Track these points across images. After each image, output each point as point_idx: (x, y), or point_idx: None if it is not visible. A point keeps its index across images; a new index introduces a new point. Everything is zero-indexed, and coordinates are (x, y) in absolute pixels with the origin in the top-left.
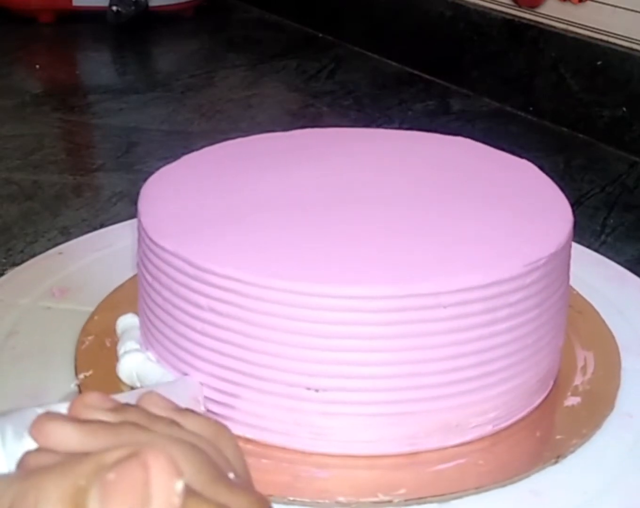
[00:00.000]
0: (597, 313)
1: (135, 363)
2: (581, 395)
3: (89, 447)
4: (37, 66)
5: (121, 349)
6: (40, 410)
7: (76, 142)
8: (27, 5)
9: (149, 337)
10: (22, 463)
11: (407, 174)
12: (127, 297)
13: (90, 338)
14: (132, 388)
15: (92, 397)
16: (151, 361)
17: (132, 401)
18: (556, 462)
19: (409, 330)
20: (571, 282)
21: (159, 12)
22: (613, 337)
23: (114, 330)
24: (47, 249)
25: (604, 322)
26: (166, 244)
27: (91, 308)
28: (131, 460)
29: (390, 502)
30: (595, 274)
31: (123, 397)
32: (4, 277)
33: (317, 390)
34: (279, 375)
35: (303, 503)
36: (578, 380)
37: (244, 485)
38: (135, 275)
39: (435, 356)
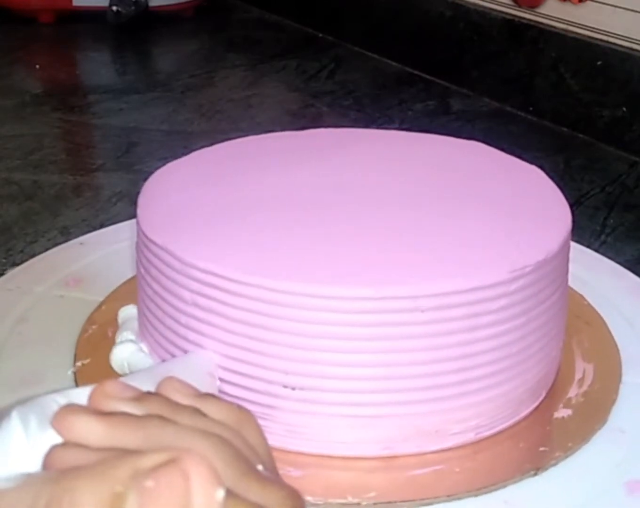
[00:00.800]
0: (605, 325)
1: (128, 354)
2: (573, 407)
3: (114, 441)
4: (37, 66)
5: (118, 339)
6: (61, 399)
7: (76, 142)
8: (27, 5)
9: (143, 329)
10: (49, 459)
11: (405, 175)
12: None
13: (94, 327)
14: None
15: (113, 386)
16: (143, 352)
17: (150, 385)
18: (535, 474)
19: (387, 333)
20: (583, 292)
21: (159, 12)
22: (617, 350)
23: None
24: (47, 249)
25: (610, 334)
26: (155, 237)
27: (102, 298)
28: (171, 467)
29: (358, 504)
30: (610, 285)
31: (139, 380)
32: (25, 264)
33: (293, 388)
34: (257, 371)
35: None
36: (572, 392)
37: (274, 477)
38: None
39: (412, 360)
